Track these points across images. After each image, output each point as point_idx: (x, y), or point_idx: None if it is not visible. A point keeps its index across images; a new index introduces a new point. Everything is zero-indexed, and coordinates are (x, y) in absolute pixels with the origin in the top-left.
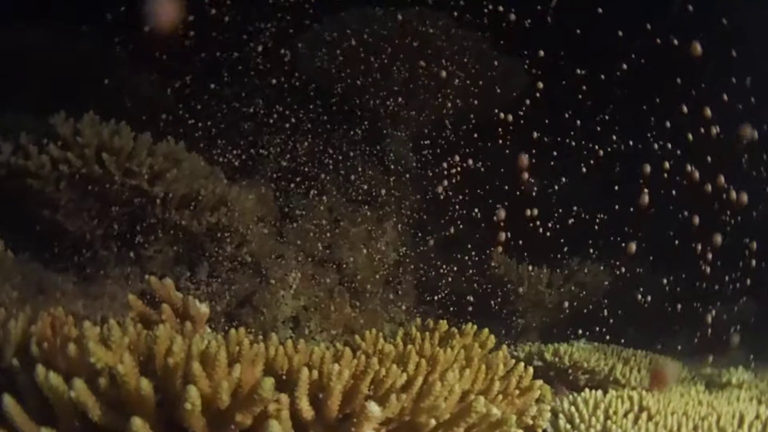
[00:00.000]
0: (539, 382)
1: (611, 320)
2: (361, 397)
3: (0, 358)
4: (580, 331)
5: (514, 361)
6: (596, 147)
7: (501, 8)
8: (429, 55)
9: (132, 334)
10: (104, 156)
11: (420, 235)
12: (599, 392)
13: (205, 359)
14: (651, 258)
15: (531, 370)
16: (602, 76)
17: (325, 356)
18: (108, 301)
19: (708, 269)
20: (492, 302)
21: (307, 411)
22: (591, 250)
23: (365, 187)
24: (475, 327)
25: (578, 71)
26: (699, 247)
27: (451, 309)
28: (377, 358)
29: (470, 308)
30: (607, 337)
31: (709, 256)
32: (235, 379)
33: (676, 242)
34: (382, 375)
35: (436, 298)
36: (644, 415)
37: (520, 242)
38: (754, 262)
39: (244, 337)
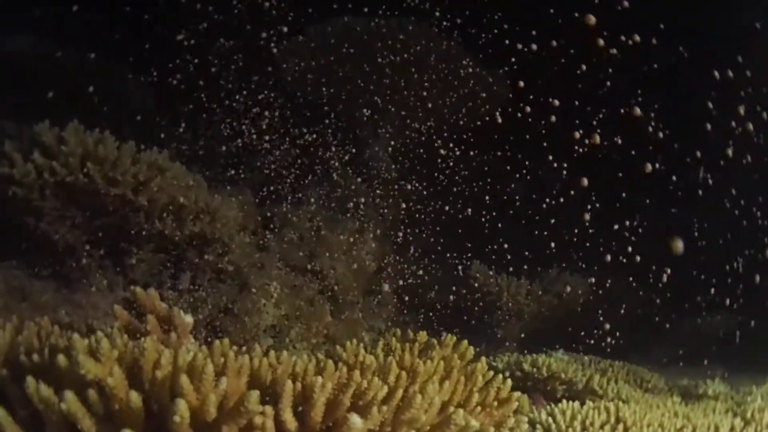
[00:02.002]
0: (517, 394)
1: (589, 331)
2: (343, 409)
3: None
4: (559, 342)
5: (492, 372)
6: (577, 158)
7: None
8: (411, 66)
9: (120, 345)
10: (88, 165)
11: (400, 244)
12: (576, 403)
13: (192, 372)
14: (629, 270)
15: (509, 381)
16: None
17: (308, 368)
18: (91, 309)
19: (687, 282)
20: (471, 312)
21: (290, 422)
22: (570, 262)
23: (346, 196)
24: (455, 338)
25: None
26: (678, 259)
27: (431, 319)
28: (359, 370)
29: (450, 318)
30: (585, 348)
31: (688, 269)
32: (222, 392)
33: (656, 255)
34: (363, 387)
35: (416, 307)
36: (620, 427)
37: (500, 252)
38: (733, 277)
39: (228, 349)
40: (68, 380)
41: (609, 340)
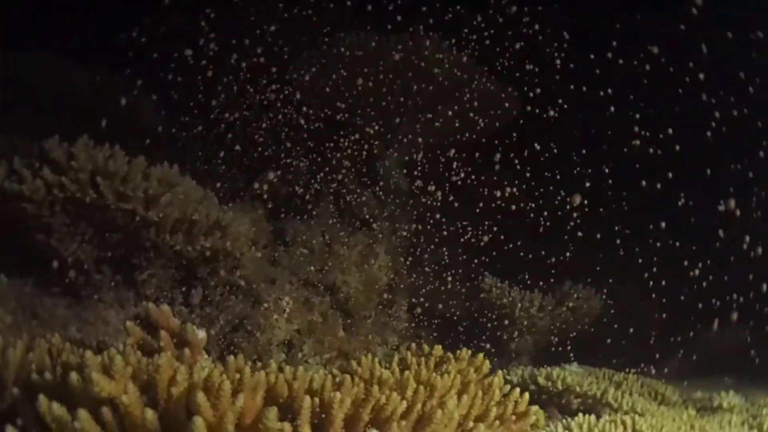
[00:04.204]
0: (535, 408)
1: (602, 344)
2: (362, 425)
3: (1, 388)
4: (572, 355)
5: (509, 386)
6: (589, 170)
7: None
8: (423, 80)
9: (133, 362)
10: (99, 180)
11: (412, 258)
12: (593, 417)
13: (209, 388)
14: (642, 282)
15: (527, 396)
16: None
17: (326, 383)
18: (101, 326)
19: (699, 295)
20: (484, 326)
21: None
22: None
23: (358, 210)
24: (470, 352)
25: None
26: (690, 272)
27: (444, 332)
28: (377, 384)
29: (463, 332)
30: (599, 361)
31: (701, 281)
32: (239, 409)
33: (668, 267)
34: (382, 402)
35: (428, 321)
36: None
37: (513, 265)
38: (745, 289)
39: (243, 365)
40: (81, 398)
41: (622, 352)
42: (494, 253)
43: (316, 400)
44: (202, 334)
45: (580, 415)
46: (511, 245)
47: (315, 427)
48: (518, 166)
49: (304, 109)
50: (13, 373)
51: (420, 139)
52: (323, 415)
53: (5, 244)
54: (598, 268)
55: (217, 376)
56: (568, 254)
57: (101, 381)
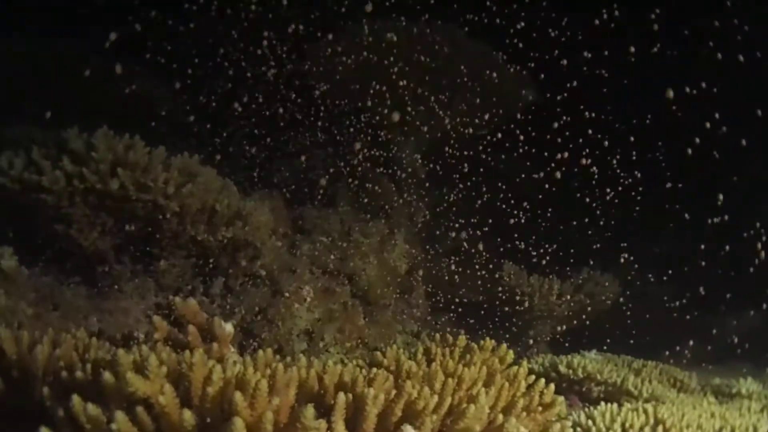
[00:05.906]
0: (561, 398)
1: (620, 330)
2: (395, 420)
3: (29, 386)
4: (590, 341)
5: (534, 376)
6: (606, 157)
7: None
8: (439, 67)
9: (165, 360)
10: (119, 171)
11: (431, 245)
12: (615, 405)
13: (244, 387)
14: (659, 268)
15: (552, 386)
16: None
17: (357, 378)
18: (122, 316)
19: (717, 281)
20: (503, 313)
21: None
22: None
23: (376, 198)
24: (494, 342)
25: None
26: (707, 257)
27: (463, 320)
28: (409, 379)
29: (482, 319)
30: (617, 347)
31: (717, 267)
32: (275, 407)
33: (685, 253)
34: (414, 397)
35: (447, 309)
36: (660, 429)
37: (532, 252)
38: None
39: (272, 359)
40: (114, 398)
41: (640, 338)
42: (513, 240)
43: (349, 396)
44: (229, 327)
45: (603, 403)
46: (529, 232)
47: (348, 423)
48: (537, 153)
49: (321, 96)
50: (41, 370)
51: (437, 126)
52: (357, 412)
53: (25, 235)
54: (617, 255)
55: (251, 374)
56: (586, 240)
57: (136, 381)
